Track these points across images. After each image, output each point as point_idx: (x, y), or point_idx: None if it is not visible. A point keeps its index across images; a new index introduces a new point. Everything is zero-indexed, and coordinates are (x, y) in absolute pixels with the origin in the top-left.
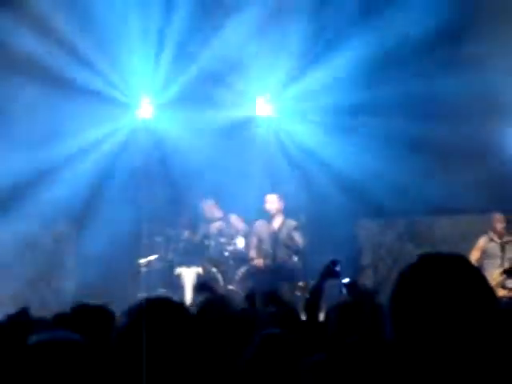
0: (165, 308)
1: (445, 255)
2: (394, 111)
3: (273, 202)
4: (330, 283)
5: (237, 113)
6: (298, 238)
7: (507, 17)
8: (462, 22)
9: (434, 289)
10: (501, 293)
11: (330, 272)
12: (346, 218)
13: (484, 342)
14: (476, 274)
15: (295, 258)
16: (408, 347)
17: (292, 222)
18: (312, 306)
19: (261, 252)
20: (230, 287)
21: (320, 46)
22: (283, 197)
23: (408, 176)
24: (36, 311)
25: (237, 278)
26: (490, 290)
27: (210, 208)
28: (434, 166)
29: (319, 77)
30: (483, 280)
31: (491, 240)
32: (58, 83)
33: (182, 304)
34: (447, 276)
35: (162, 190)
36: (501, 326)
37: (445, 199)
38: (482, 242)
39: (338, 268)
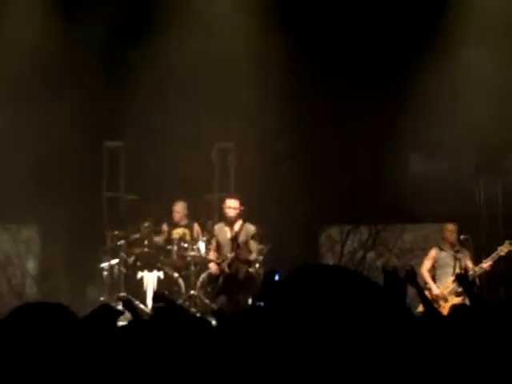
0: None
1: (326, 266)
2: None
3: (233, 207)
4: None
5: None
6: (253, 246)
7: None
8: None
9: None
10: (454, 301)
11: (269, 282)
12: (307, 225)
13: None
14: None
15: (256, 265)
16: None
17: (251, 228)
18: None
19: (220, 256)
20: (192, 292)
21: None
22: (243, 201)
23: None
24: None
25: (198, 283)
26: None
27: (180, 212)
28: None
29: None
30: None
31: (442, 250)
32: None
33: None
34: (318, 284)
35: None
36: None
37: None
38: (433, 252)
39: (276, 278)
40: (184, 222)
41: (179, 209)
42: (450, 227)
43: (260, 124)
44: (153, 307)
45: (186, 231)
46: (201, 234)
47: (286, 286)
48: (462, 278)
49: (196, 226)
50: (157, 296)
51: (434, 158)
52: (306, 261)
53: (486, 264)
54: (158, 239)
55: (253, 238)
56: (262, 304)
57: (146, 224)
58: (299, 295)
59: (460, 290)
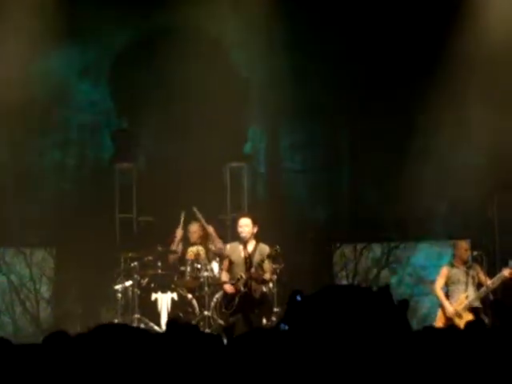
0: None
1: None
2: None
3: (246, 226)
4: None
5: None
6: (267, 266)
7: None
8: None
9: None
10: (468, 317)
11: (293, 304)
12: (322, 244)
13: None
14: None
15: (270, 284)
16: None
17: (266, 248)
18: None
19: (234, 276)
20: (206, 313)
21: None
22: (257, 220)
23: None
24: (11, 337)
25: (212, 304)
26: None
27: (196, 232)
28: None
29: None
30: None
31: (454, 266)
32: None
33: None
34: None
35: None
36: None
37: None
38: (444, 270)
39: (298, 298)
40: (199, 240)
41: (195, 229)
42: (465, 245)
43: (271, 143)
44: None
45: (201, 249)
46: (219, 246)
47: (310, 308)
48: (497, 304)
49: (211, 229)
50: (171, 322)
51: (446, 175)
52: (320, 279)
53: (505, 272)
54: (172, 258)
55: (267, 258)
56: (286, 327)
57: (160, 248)
58: (323, 316)
59: (475, 305)
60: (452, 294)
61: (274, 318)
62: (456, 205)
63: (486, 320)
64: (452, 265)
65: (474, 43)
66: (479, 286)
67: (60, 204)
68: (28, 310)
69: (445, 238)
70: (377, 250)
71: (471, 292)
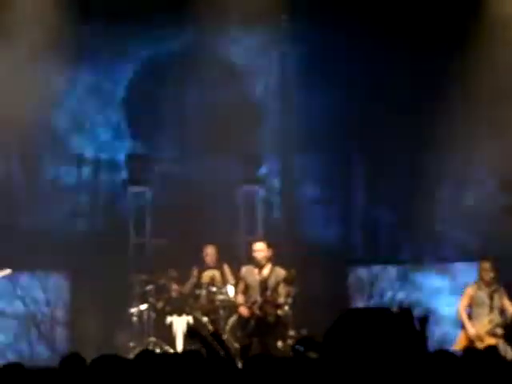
0: None
1: (371, 308)
2: None
3: (261, 251)
4: None
5: None
6: (282, 290)
7: None
8: None
9: (355, 339)
10: (490, 341)
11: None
12: (337, 267)
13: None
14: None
15: (285, 307)
16: None
17: (281, 272)
18: None
19: (249, 299)
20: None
21: None
22: (272, 244)
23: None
24: (27, 362)
25: (228, 327)
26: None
27: (211, 254)
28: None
29: None
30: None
31: (478, 287)
32: None
33: None
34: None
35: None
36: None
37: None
38: (470, 290)
39: (301, 349)
40: (214, 264)
41: (210, 251)
42: (486, 266)
43: (285, 167)
44: (183, 349)
45: (216, 273)
46: (231, 277)
47: (336, 333)
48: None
49: (226, 268)
50: (192, 332)
51: (459, 197)
52: (336, 302)
53: None
54: (186, 287)
55: (283, 282)
56: (301, 349)
57: (173, 273)
58: (350, 341)
59: (497, 330)
60: (475, 316)
61: (289, 341)
62: (471, 228)
63: (507, 346)
64: (477, 285)
65: (488, 74)
66: (503, 310)
67: (74, 228)
68: (44, 334)
69: (460, 261)
70: (392, 272)
71: (494, 316)
